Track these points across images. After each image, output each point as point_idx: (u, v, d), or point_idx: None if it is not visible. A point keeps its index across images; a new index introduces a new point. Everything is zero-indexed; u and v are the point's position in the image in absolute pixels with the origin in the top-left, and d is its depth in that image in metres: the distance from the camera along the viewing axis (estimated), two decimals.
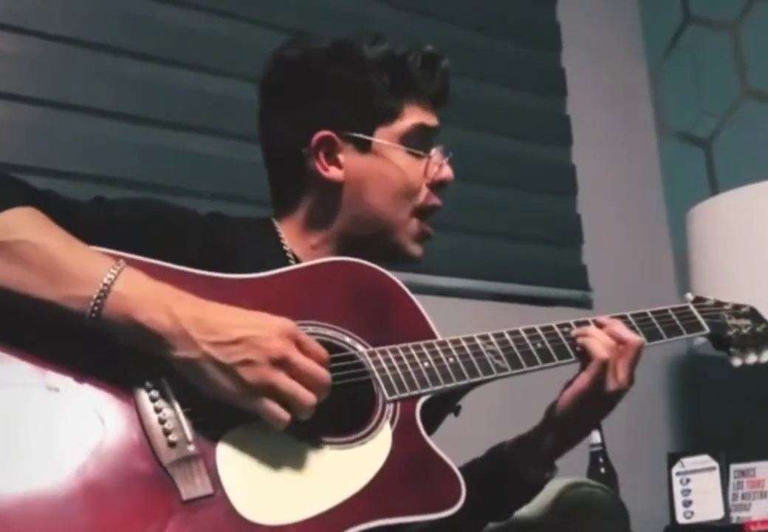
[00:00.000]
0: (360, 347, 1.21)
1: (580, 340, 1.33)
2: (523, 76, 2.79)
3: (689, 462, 2.31)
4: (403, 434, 1.16)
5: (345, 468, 1.11)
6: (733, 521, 2.20)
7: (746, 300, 1.58)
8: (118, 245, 1.13)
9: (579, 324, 1.36)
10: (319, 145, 1.39)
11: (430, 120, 1.43)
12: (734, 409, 2.69)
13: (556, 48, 2.89)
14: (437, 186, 1.44)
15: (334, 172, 1.39)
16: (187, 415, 1.06)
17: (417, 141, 1.41)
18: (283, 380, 1.06)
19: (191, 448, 1.04)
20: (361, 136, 1.39)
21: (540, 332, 1.33)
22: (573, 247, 2.77)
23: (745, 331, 1.50)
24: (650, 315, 1.43)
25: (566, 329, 1.35)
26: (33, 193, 1.15)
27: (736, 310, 1.53)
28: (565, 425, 1.35)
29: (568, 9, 2.93)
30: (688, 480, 2.29)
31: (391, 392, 1.18)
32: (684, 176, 2.92)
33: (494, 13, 2.78)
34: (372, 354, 1.20)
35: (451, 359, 1.24)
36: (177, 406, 1.06)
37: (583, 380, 1.32)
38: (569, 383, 1.34)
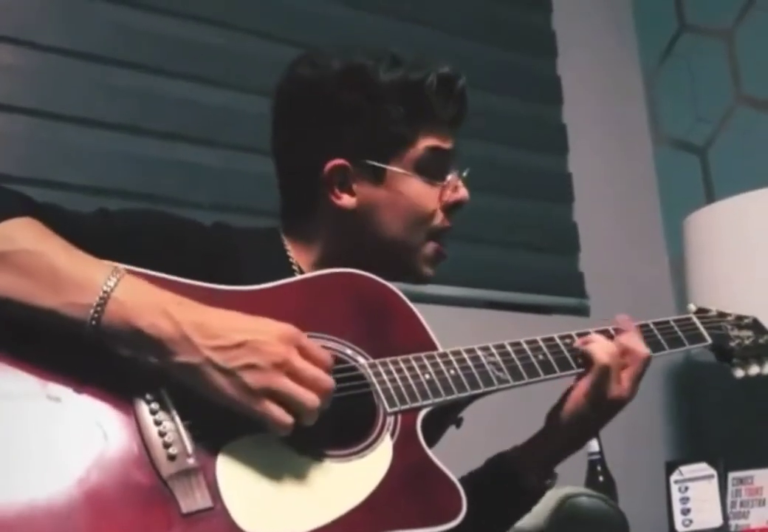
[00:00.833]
0: (361, 359, 1.20)
1: (582, 346, 1.33)
2: (519, 84, 2.79)
3: (687, 470, 2.31)
4: (404, 447, 1.15)
5: (345, 481, 1.10)
6: (732, 528, 2.20)
7: (742, 308, 1.58)
8: (119, 256, 1.12)
9: (581, 335, 1.36)
10: (332, 174, 1.36)
11: (445, 143, 1.41)
12: (732, 417, 2.69)
13: (552, 56, 2.90)
14: (452, 208, 1.43)
15: (347, 201, 1.37)
16: (188, 427, 1.06)
17: (432, 164, 1.39)
18: (286, 384, 1.05)
19: (191, 461, 1.04)
20: (374, 163, 1.37)
21: (542, 344, 1.33)
22: (569, 255, 2.77)
23: (747, 342, 1.50)
24: (652, 326, 1.43)
25: (568, 341, 1.35)
26: (32, 205, 1.14)
27: (739, 321, 1.53)
28: (564, 430, 1.34)
29: (563, 17, 2.94)
30: (686, 488, 2.29)
31: (391, 404, 1.18)
32: (680, 183, 2.92)
33: (489, 21, 2.79)
34: (373, 366, 1.20)
35: (452, 371, 1.24)
36: (177, 418, 1.06)
37: (583, 385, 1.32)
38: (570, 389, 1.34)
